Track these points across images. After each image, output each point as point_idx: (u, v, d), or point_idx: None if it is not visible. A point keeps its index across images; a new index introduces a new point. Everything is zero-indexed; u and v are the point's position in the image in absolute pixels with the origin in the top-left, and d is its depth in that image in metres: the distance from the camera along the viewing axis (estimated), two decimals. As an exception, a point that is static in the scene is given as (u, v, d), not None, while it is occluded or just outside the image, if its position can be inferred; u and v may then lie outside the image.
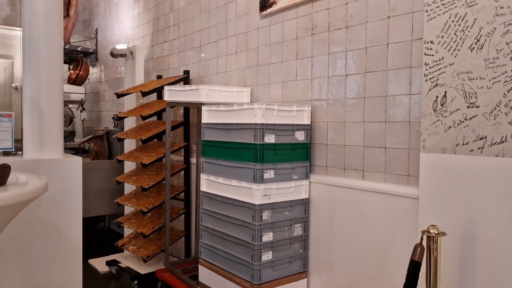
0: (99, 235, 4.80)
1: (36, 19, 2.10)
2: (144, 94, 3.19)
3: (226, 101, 2.76)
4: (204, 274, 2.59)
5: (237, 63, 3.02)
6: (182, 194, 3.47)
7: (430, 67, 1.84)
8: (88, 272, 3.66)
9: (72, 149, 4.90)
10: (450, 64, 1.77)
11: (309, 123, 2.40)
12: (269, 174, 2.25)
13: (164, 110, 3.35)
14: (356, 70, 2.21)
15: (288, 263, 2.34)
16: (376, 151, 2.11)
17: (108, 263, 3.54)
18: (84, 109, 5.38)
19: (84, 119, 5.36)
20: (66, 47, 5.29)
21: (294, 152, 2.35)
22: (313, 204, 2.41)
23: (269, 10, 2.67)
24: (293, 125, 2.34)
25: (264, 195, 2.22)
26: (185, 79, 3.40)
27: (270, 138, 2.24)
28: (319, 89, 2.41)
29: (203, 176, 2.61)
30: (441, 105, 1.79)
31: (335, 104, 2.31)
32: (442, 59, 1.80)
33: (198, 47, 3.44)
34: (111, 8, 5.09)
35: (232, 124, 2.36)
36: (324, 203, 2.35)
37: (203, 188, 2.61)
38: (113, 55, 3.77)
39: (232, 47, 3.07)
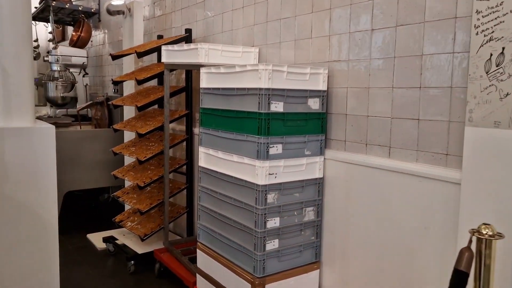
0: (101, 207, 4.57)
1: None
2: (140, 55, 2.83)
3: (229, 63, 2.38)
4: (203, 259, 2.30)
5: (244, 19, 2.62)
6: (185, 167, 3.15)
7: (483, 16, 1.42)
8: (86, 248, 3.43)
9: (73, 116, 4.62)
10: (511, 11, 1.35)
11: (325, 88, 2.01)
12: (275, 149, 1.89)
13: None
14: (385, 23, 1.79)
15: (297, 252, 2.01)
16: (407, 123, 1.72)
17: (105, 240, 3.30)
18: (86, 73, 5.06)
19: (87, 84, 5.05)
20: (67, 6, 4.93)
21: (306, 123, 1.98)
22: (328, 184, 2.05)
23: (281, -47, 2.24)
24: (306, 90, 1.96)
25: (269, 173, 1.87)
26: (187, 38, 3.01)
27: (277, 106, 1.87)
28: (338, 48, 2.00)
29: (201, 149, 2.27)
30: (497, 66, 1.39)
31: (358, 66, 1.91)
32: (500, 4, 1.37)
33: (202, 2, 3.03)
34: (112, -37, 4.66)
35: (233, 89, 1.99)
36: (341, 184, 1.99)
37: (201, 163, 2.28)
38: (109, 12, 3.40)
39: (238, 1, 2.65)
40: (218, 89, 2.11)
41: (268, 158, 1.86)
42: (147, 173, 3.09)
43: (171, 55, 2.62)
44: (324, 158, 2.05)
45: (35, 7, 5.39)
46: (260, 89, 1.82)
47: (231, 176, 2.03)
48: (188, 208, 3.16)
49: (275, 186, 1.90)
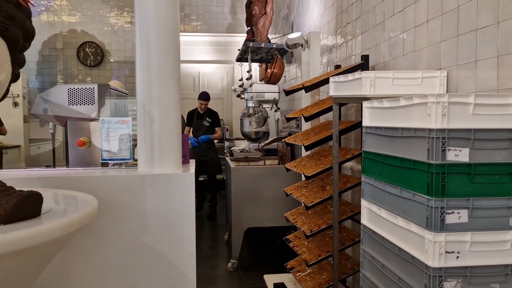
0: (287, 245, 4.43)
1: (145, 9, 1.76)
2: (307, 89, 2.57)
3: (405, 95, 1.87)
4: None
5: (428, 36, 2.06)
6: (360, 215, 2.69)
7: None
8: (260, 290, 3.30)
9: (261, 151, 4.70)
10: None
11: (546, 126, 1.31)
12: (457, 216, 1.29)
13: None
14: None
15: None
16: None
17: (276, 286, 3.08)
18: (278, 108, 5.13)
19: (278, 119, 5.10)
20: (262, 45, 5.14)
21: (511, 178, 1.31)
22: (554, 275, 1.30)
23: None
24: (511, 130, 1.30)
25: (446, 251, 1.29)
26: (363, 66, 2.60)
27: (459, 154, 1.28)
28: None
29: (363, 203, 1.81)
30: None
31: None
32: None
33: (381, 23, 2.58)
34: (303, -3, 4.65)
35: (397, 129, 1.49)
36: None
37: (364, 220, 1.81)
38: (288, 46, 3.29)
39: (422, 15, 2.11)
40: (381, 128, 1.63)
41: (444, 229, 1.29)
42: (318, 219, 2.76)
43: (338, 87, 2.26)
44: (546, 234, 1.32)
45: (238, 49, 5.86)
46: (430, 130, 1.28)
47: (395, 246, 1.51)
48: (363, 264, 2.66)
49: (456, 271, 1.30)
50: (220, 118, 8.44)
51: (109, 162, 1.91)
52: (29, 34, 1.20)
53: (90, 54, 7.50)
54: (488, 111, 1.29)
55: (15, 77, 1.21)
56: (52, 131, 2.23)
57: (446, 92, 1.89)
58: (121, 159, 1.88)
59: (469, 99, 1.27)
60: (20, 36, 1.14)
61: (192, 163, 2.09)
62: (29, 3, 1.20)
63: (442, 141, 1.26)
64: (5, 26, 1.09)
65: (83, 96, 2.14)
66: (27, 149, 5.95)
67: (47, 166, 2.52)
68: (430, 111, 1.27)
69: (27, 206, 1.11)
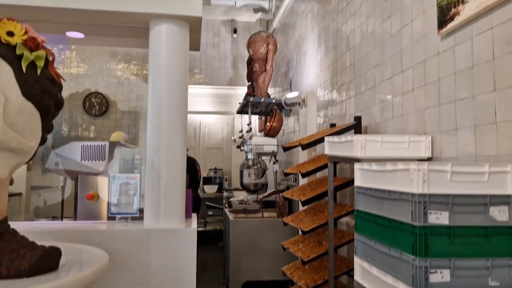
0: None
1: (159, 74, 1.95)
2: (304, 147, 2.73)
3: (394, 156, 2.03)
4: None
5: (414, 103, 2.25)
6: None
7: None
8: None
9: (259, 203, 4.80)
10: None
11: (517, 192, 1.45)
12: (439, 275, 1.40)
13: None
14: None
15: None
16: None
17: None
18: (277, 160, 5.29)
19: (276, 171, 5.25)
20: (262, 100, 5.39)
21: (489, 240, 1.43)
22: (533, 333, 1.39)
23: (450, 26, 1.86)
24: (485, 196, 1.44)
25: (431, 309, 1.39)
26: (356, 126, 2.78)
27: (439, 217, 1.41)
28: (535, 135, 1.45)
29: (356, 260, 1.91)
30: None
31: None
32: None
33: (373, 87, 2.80)
34: (301, 57, 4.94)
35: (384, 191, 1.63)
36: (554, 336, 1.32)
37: (357, 276, 1.90)
38: (286, 104, 3.50)
39: (408, 83, 2.32)
40: (370, 189, 1.77)
41: None
42: (315, 274, 2.83)
43: (332, 146, 2.43)
44: (523, 293, 1.42)
45: (239, 103, 6.11)
46: (413, 194, 1.42)
47: (385, 302, 1.60)
48: (358, 320, 2.70)
49: (441, 328, 1.39)
50: (219, 167, 8.58)
51: (117, 216, 2.03)
52: (59, 104, 1.37)
53: (95, 104, 7.75)
54: (464, 178, 1.43)
55: (43, 141, 1.37)
56: (62, 184, 2.36)
57: (431, 156, 2.05)
58: (128, 214, 2.00)
59: (446, 167, 1.42)
60: (52, 107, 1.31)
61: (194, 217, 2.21)
62: (61, 78, 1.38)
63: (423, 205, 1.40)
64: (41, 99, 1.25)
65: (95, 153, 2.29)
66: (28, 196, 6.05)
67: (54, 218, 2.63)
68: (412, 177, 1.42)
69: (48, 260, 1.22)
